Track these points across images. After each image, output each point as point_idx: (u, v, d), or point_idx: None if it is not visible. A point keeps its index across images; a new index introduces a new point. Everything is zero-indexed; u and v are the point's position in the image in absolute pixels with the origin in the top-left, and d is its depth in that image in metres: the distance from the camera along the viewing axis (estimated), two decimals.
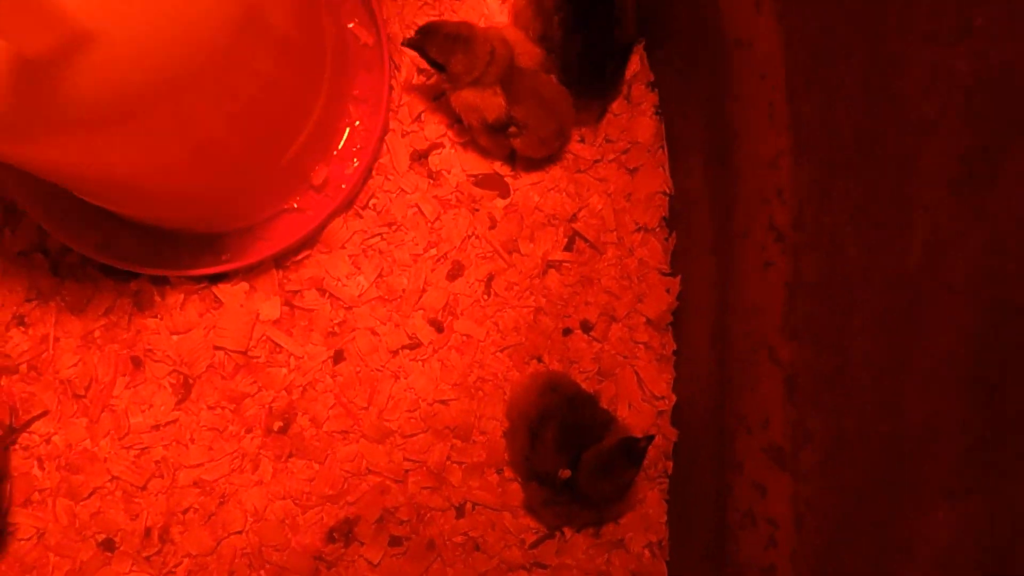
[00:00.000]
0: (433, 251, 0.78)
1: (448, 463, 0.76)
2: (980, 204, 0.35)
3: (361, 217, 0.79)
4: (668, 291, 0.77)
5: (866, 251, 0.45)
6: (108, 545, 0.73)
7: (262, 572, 0.74)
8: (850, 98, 0.44)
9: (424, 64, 0.73)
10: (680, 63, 0.76)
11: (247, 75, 0.59)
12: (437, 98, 0.79)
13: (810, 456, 0.52)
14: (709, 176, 0.67)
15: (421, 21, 0.79)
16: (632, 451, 0.69)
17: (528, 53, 0.71)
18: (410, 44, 0.70)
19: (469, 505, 0.76)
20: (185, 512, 0.74)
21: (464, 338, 0.78)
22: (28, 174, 0.62)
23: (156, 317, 0.77)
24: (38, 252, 0.77)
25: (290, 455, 0.76)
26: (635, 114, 0.79)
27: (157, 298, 0.77)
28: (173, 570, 0.74)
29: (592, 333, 0.78)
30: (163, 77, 0.49)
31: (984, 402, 0.37)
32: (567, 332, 0.78)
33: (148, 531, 0.74)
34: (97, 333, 0.77)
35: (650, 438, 0.69)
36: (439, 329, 0.78)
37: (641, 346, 0.78)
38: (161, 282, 0.77)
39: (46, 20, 0.42)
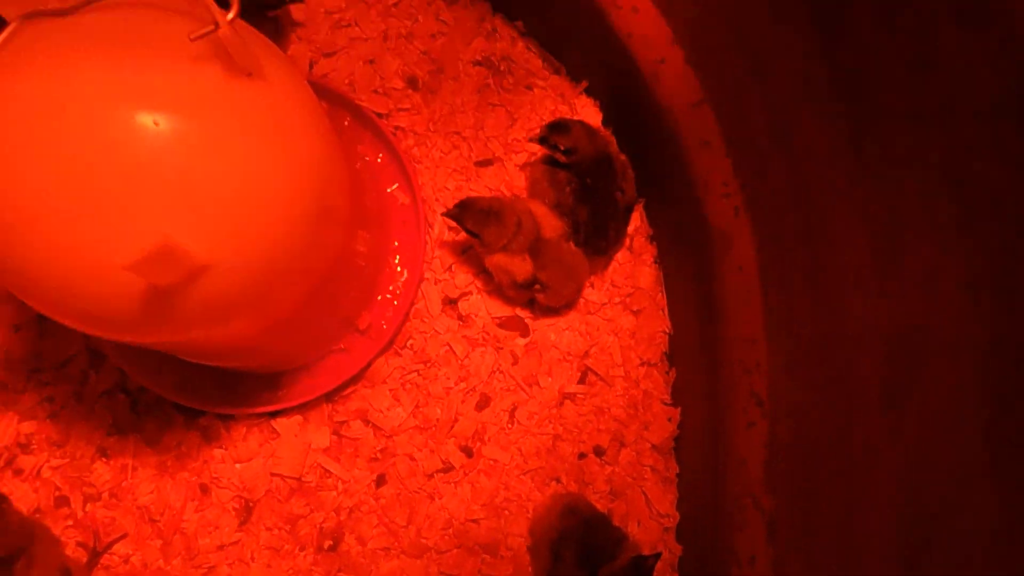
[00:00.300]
0: (463, 385, 0.89)
1: None
2: (897, 425, 0.45)
3: (400, 356, 0.90)
4: (670, 420, 0.88)
5: (825, 422, 0.56)
6: None
7: None
8: (802, 309, 0.55)
9: (454, 224, 0.86)
10: (674, 229, 0.88)
11: (320, 259, 0.71)
12: (465, 251, 0.92)
13: None
14: (701, 329, 0.79)
15: (451, 185, 0.93)
16: (641, 568, 0.78)
17: (552, 225, 0.83)
18: (450, 216, 0.83)
19: None
20: None
21: (491, 462, 0.88)
22: None
23: (222, 448, 0.88)
24: (120, 392, 0.89)
25: (339, 570, 0.86)
26: (637, 263, 0.91)
27: (223, 431, 0.88)
28: None
29: (604, 457, 0.88)
30: (258, 288, 0.61)
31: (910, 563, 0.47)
32: (582, 456, 0.88)
33: None
34: (169, 463, 0.87)
35: (657, 556, 0.78)
36: (469, 455, 0.88)
37: (648, 469, 0.88)
38: (226, 417, 0.88)
39: (178, 265, 0.54)
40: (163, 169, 0.53)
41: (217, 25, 0.52)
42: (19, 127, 0.52)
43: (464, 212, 0.82)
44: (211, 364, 0.86)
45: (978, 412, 0.42)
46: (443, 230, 0.92)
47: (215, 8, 0.52)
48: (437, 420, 0.88)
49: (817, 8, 0.49)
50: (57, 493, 0.86)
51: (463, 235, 0.89)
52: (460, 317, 0.91)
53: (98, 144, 0.52)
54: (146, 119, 0.53)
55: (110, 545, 0.86)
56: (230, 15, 0.52)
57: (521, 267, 0.82)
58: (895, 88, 0.43)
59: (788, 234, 0.57)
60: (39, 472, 0.86)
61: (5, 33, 0.54)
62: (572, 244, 0.86)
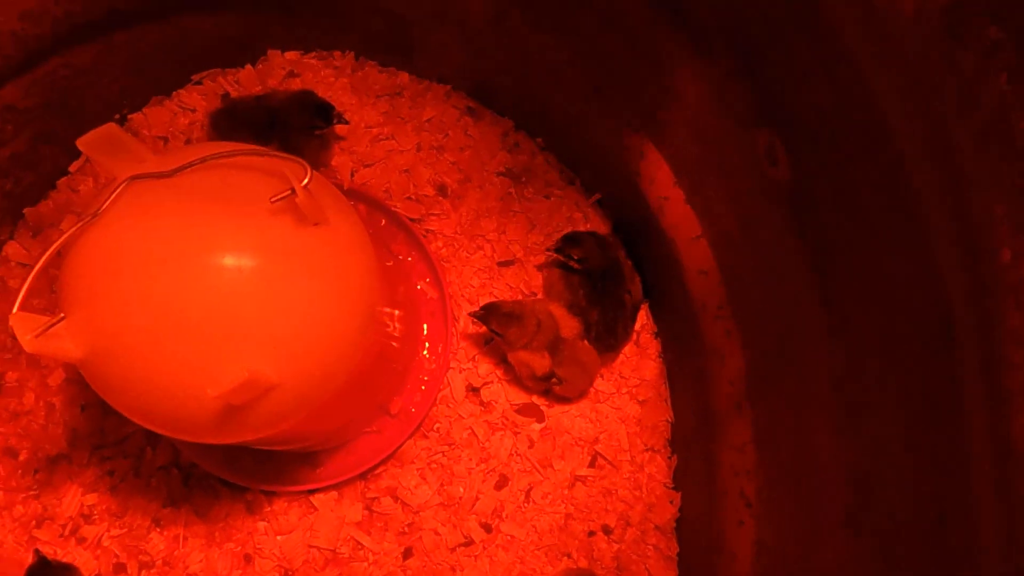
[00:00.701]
0: (483, 466, 0.98)
1: None
2: (856, 546, 0.54)
3: (427, 438, 0.99)
4: (672, 503, 0.97)
5: (802, 533, 0.65)
6: None
7: None
8: (784, 429, 0.64)
9: (477, 321, 0.96)
10: (676, 333, 0.98)
11: (364, 361, 0.81)
12: (487, 343, 1.02)
13: None
14: (698, 425, 0.88)
15: (475, 282, 1.03)
16: None
17: (569, 326, 0.93)
18: (476, 316, 0.93)
19: None
20: None
21: (509, 538, 0.97)
22: None
23: (264, 521, 0.97)
24: (173, 467, 0.98)
25: None
26: (643, 357, 1.01)
27: (266, 505, 0.97)
28: None
29: (611, 536, 0.97)
30: (316, 398, 0.70)
31: None
32: (591, 534, 0.97)
33: None
34: (217, 534, 0.96)
35: None
36: (488, 530, 0.97)
37: (651, 547, 0.96)
38: (270, 492, 0.97)
39: (257, 390, 0.63)
40: (244, 305, 0.63)
41: (293, 191, 0.63)
42: (126, 273, 0.63)
43: (489, 315, 0.92)
44: (259, 447, 0.96)
45: (925, 537, 0.50)
46: (468, 324, 1.02)
47: (293, 176, 0.63)
48: (460, 498, 0.97)
49: (792, 189, 0.58)
50: (116, 560, 0.95)
51: (486, 329, 0.99)
52: (482, 403, 1.01)
53: (190, 286, 0.63)
54: (231, 263, 0.63)
55: None
56: (305, 181, 0.63)
57: (540, 363, 0.91)
58: (856, 268, 0.53)
59: (772, 360, 0.67)
60: (100, 541, 0.95)
61: (114, 191, 0.64)
62: (586, 342, 0.95)
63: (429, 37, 0.99)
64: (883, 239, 0.51)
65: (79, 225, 0.64)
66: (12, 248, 1.02)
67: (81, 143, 0.63)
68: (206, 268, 0.63)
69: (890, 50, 0.50)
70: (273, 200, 0.63)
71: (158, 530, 0.96)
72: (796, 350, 0.62)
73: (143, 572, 0.95)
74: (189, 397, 0.63)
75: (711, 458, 0.86)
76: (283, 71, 1.08)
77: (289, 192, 0.63)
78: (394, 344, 0.95)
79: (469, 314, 0.93)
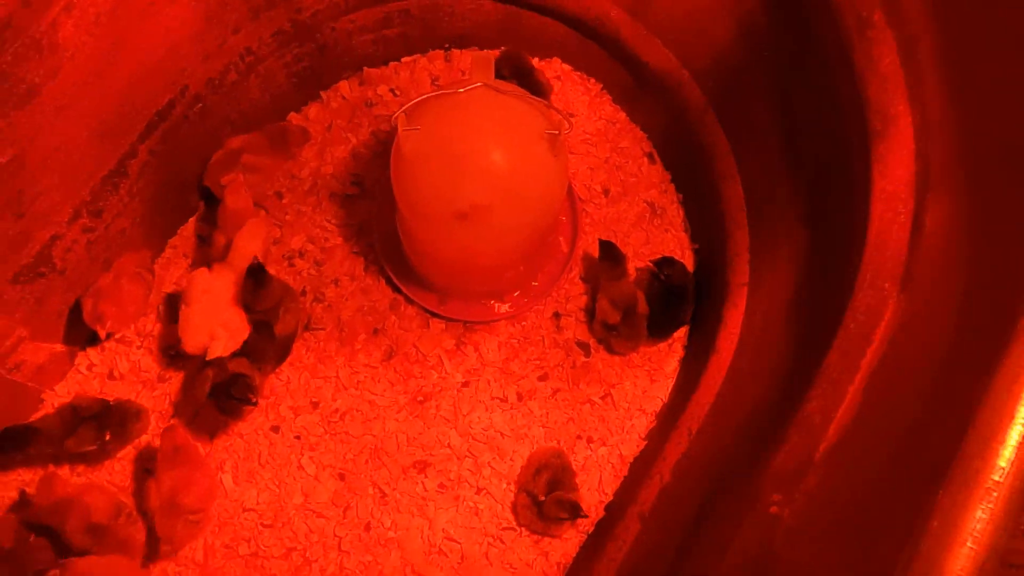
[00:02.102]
0: (539, 361, 1.46)
1: None
2: None
3: (526, 319, 1.48)
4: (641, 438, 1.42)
5: None
6: None
7: None
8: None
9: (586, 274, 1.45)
10: (694, 353, 1.44)
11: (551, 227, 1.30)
12: (587, 281, 1.50)
13: None
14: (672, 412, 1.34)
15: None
16: None
17: (643, 307, 1.40)
18: (604, 242, 1.40)
19: None
20: None
21: (542, 405, 1.44)
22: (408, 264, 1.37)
23: (472, 345, 1.47)
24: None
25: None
26: (668, 354, 1.47)
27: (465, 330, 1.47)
28: None
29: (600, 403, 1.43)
30: (536, 233, 1.20)
31: None
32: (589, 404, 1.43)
33: None
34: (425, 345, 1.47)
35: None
36: (520, 399, 1.44)
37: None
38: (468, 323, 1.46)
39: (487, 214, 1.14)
40: (501, 178, 1.15)
41: (559, 132, 1.14)
42: (426, 157, 1.14)
43: (613, 249, 1.40)
44: (457, 288, 1.44)
45: None
46: (579, 271, 1.50)
47: (563, 119, 1.14)
48: (519, 366, 1.45)
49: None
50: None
51: (586, 288, 1.48)
52: (557, 326, 1.49)
53: (468, 166, 1.14)
54: (499, 156, 1.14)
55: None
56: (567, 130, 1.14)
57: (614, 315, 1.39)
58: None
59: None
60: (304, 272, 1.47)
61: (469, 87, 1.17)
62: (645, 326, 1.43)
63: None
64: None
65: (439, 93, 1.16)
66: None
67: (475, 56, 1.16)
68: (481, 154, 1.14)
69: None
70: (548, 132, 1.14)
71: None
72: None
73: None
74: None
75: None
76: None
77: (557, 133, 1.14)
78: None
79: (600, 239, 1.41)
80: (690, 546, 0.95)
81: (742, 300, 1.23)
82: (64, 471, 1.34)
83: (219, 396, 1.24)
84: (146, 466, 1.34)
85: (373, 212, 1.51)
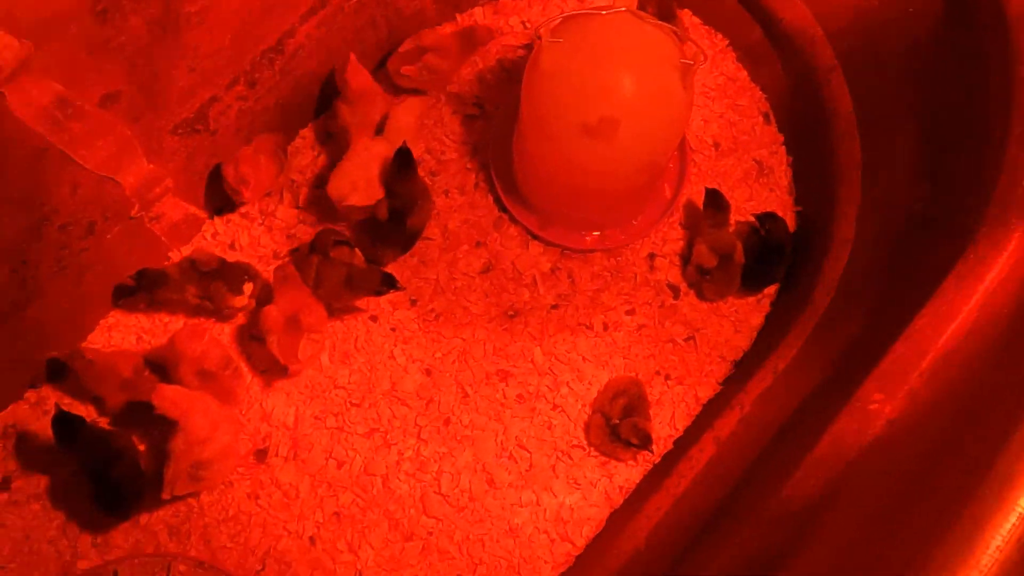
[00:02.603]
0: (627, 296, 1.50)
1: None
2: None
3: (621, 255, 1.53)
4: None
5: None
6: None
7: None
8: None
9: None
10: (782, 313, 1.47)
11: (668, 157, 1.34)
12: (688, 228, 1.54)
13: None
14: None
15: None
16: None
17: (739, 257, 1.43)
18: (713, 190, 1.44)
19: None
20: None
21: (630, 330, 1.49)
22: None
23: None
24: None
25: None
26: (756, 308, 1.50)
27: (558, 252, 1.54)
28: None
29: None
30: (658, 158, 1.25)
31: None
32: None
33: None
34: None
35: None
36: (604, 327, 1.49)
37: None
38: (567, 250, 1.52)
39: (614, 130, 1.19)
40: (632, 97, 1.20)
41: (695, 63, 1.18)
42: (562, 71, 1.20)
43: (718, 197, 1.44)
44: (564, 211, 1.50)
45: None
46: (680, 218, 1.54)
47: (699, 51, 1.18)
48: (617, 291, 1.50)
49: None
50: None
51: (684, 235, 1.52)
52: (651, 266, 1.53)
53: (602, 81, 1.19)
54: (632, 77, 1.19)
55: None
56: (703, 63, 1.18)
57: (711, 260, 1.43)
58: None
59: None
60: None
61: (612, 10, 1.22)
62: (739, 275, 1.46)
63: None
64: None
65: (583, 12, 1.21)
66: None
67: None
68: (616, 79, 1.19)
69: None
70: (682, 61, 1.19)
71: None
72: None
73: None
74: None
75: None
76: None
77: (692, 63, 1.19)
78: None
79: (707, 188, 1.45)
80: (766, 461, 0.99)
81: (845, 255, 1.26)
82: (178, 322, 1.45)
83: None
84: (251, 332, 1.44)
85: (490, 133, 1.58)
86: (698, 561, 0.95)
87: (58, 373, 1.34)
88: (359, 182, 1.37)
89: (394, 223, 1.38)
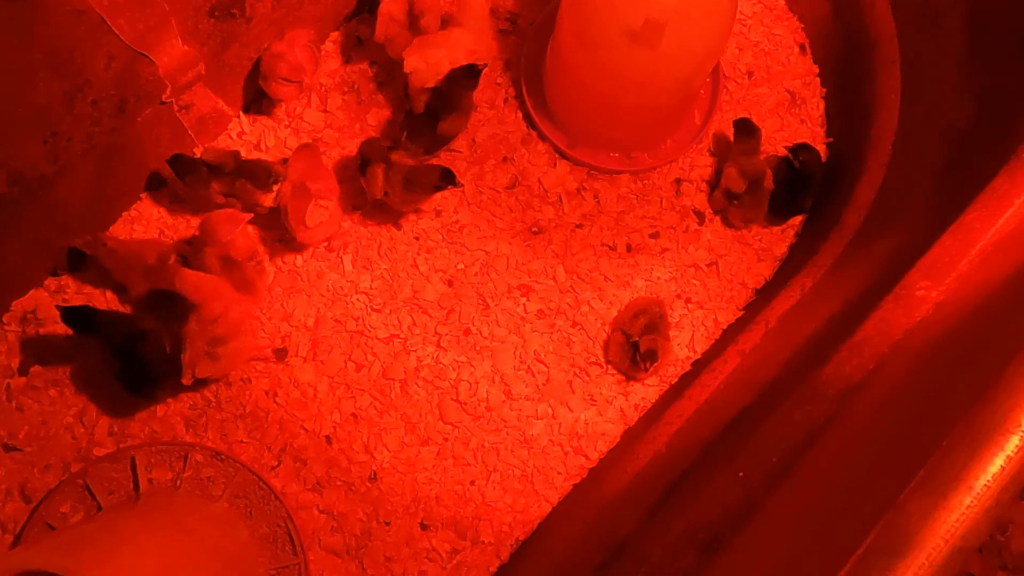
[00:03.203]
0: (650, 220, 1.50)
1: None
2: None
3: (649, 177, 1.52)
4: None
5: None
6: None
7: None
8: None
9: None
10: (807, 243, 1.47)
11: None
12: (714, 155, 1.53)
13: None
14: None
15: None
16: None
17: (768, 184, 1.43)
18: (744, 119, 1.44)
19: None
20: None
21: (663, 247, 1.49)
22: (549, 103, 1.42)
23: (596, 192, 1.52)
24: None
25: None
26: (781, 238, 1.50)
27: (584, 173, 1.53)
28: None
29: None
30: (686, 69, 1.23)
31: None
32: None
33: None
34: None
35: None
36: (628, 249, 1.49)
37: None
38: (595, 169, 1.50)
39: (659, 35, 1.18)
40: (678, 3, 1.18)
41: None
42: None
43: (752, 124, 1.43)
44: (598, 133, 1.48)
45: None
46: (707, 145, 1.54)
47: None
48: (642, 214, 1.50)
49: None
50: None
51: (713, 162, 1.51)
52: (677, 191, 1.53)
53: None
54: None
55: None
56: None
57: (740, 184, 1.42)
58: None
59: None
60: None
61: None
62: (767, 202, 1.46)
63: None
64: None
65: None
66: None
67: None
68: None
69: None
70: None
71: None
72: None
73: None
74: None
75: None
76: None
77: None
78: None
79: (734, 120, 1.44)
80: (800, 355, 0.99)
81: (879, 177, 1.25)
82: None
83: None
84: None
85: (523, 49, 1.56)
86: (727, 448, 0.96)
87: (79, 262, 1.33)
88: (436, 65, 1.36)
89: (426, 121, 1.37)
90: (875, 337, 0.82)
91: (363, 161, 1.35)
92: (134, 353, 1.19)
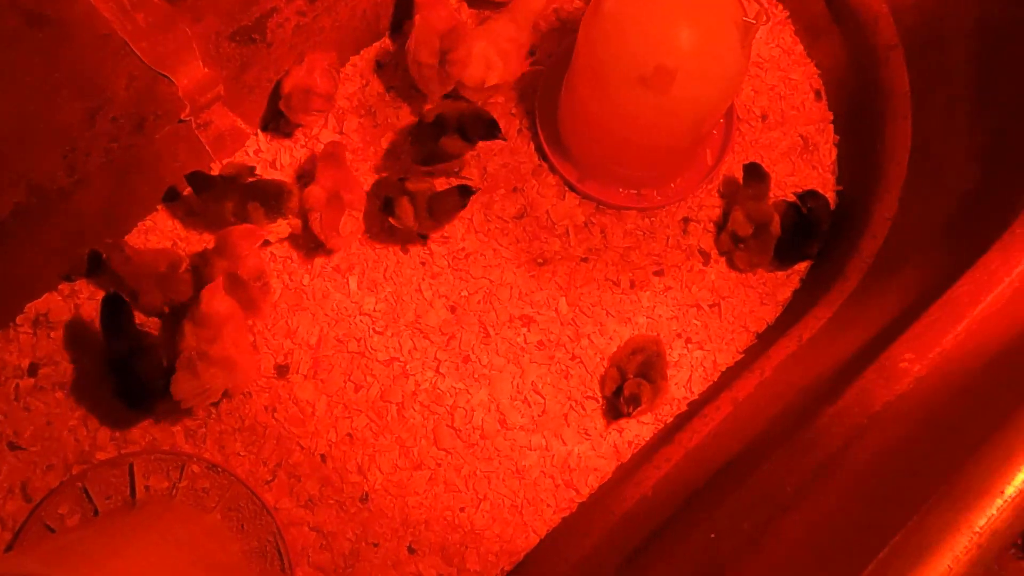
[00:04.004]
0: (654, 257, 1.51)
1: None
2: None
3: (657, 215, 1.53)
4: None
5: None
6: None
7: None
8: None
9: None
10: (810, 290, 1.47)
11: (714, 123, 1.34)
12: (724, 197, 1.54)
13: None
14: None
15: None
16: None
17: (775, 230, 1.43)
18: (748, 166, 1.44)
19: None
20: None
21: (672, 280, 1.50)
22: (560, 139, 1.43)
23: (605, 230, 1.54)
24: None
25: None
26: (786, 283, 1.50)
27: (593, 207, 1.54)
28: None
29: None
30: (697, 114, 1.25)
31: None
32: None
33: None
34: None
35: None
36: (633, 285, 1.50)
37: None
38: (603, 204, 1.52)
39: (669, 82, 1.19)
40: (690, 51, 1.19)
41: (757, 22, 1.17)
42: (623, 17, 1.19)
43: (761, 169, 1.43)
44: (609, 167, 1.49)
45: None
46: (718, 184, 1.54)
47: (763, 11, 1.17)
48: (647, 251, 1.51)
49: None
50: None
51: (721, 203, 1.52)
52: (684, 231, 1.53)
53: (661, 32, 1.18)
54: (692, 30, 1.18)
55: None
56: (767, 24, 1.17)
57: (746, 229, 1.43)
58: None
59: None
60: None
61: None
62: (773, 247, 1.46)
63: None
64: None
65: None
66: None
67: None
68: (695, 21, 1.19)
69: None
70: (744, 19, 1.18)
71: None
72: None
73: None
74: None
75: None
76: None
77: (754, 22, 1.18)
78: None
79: (747, 164, 1.45)
80: (785, 417, 1.00)
81: (884, 231, 1.25)
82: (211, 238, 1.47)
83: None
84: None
85: (539, 81, 1.57)
86: (705, 503, 0.97)
87: (98, 265, 1.37)
88: (493, 61, 1.44)
89: (431, 130, 1.39)
90: (855, 407, 0.83)
91: (386, 201, 1.37)
92: (133, 370, 1.22)
